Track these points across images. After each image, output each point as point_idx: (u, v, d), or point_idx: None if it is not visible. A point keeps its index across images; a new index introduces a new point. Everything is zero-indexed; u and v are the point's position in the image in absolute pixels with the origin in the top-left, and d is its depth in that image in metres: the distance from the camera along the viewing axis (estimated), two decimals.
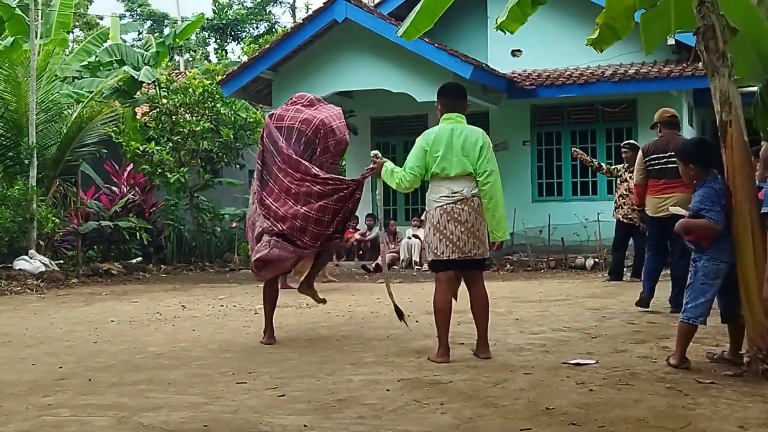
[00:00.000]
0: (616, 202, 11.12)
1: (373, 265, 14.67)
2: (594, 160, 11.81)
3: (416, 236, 15.07)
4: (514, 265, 14.03)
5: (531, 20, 6.82)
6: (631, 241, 11.11)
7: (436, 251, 5.49)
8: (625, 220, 10.95)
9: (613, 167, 11.59)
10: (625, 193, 10.97)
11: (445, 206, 5.46)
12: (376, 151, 6.10)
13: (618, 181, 11.17)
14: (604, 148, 15.72)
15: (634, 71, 14.89)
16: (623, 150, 11.20)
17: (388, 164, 5.84)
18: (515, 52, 16.23)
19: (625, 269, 11.48)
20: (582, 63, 15.47)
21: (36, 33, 15.01)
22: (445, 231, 5.44)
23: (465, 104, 5.72)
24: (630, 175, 10.98)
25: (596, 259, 13.42)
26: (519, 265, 14.00)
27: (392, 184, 5.78)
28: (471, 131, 5.52)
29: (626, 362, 5.17)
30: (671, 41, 13.88)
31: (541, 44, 15.75)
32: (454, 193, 5.45)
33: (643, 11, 6.21)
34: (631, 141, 11.75)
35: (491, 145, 5.60)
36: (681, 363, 4.90)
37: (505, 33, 6.75)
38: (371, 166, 5.99)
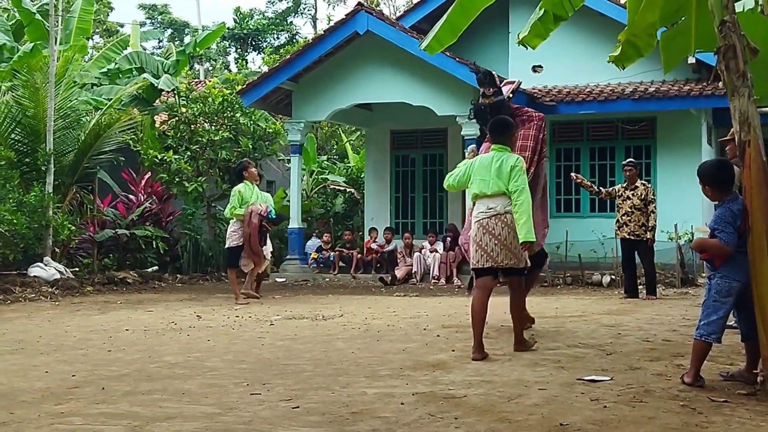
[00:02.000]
0: (618, 221, 11.17)
1: (390, 277, 14.64)
2: (592, 185, 11.83)
3: (435, 250, 15.03)
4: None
5: (552, 36, 6.83)
6: (638, 259, 11.16)
7: (473, 261, 6.32)
8: (631, 237, 11.00)
9: (611, 188, 11.66)
10: (629, 210, 11.04)
11: (481, 221, 6.25)
12: (473, 146, 7.09)
13: (619, 200, 11.21)
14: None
15: (654, 89, 14.84)
16: (628, 168, 11.27)
17: (467, 161, 6.65)
18: (536, 68, 16.21)
19: (640, 286, 11.44)
20: (602, 80, 15.44)
21: (55, 39, 15.13)
22: (481, 243, 6.23)
23: (509, 136, 6.48)
24: (631, 192, 11.05)
25: (613, 276, 13.36)
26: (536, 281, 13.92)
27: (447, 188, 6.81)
28: (508, 157, 6.30)
29: (641, 379, 5.14)
30: (692, 60, 13.81)
31: (562, 60, 15.73)
32: (490, 209, 6.24)
33: (664, 29, 6.20)
34: (633, 159, 11.80)
35: (524, 169, 6.31)
36: (695, 381, 4.88)
37: (527, 48, 6.75)
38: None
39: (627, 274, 11.34)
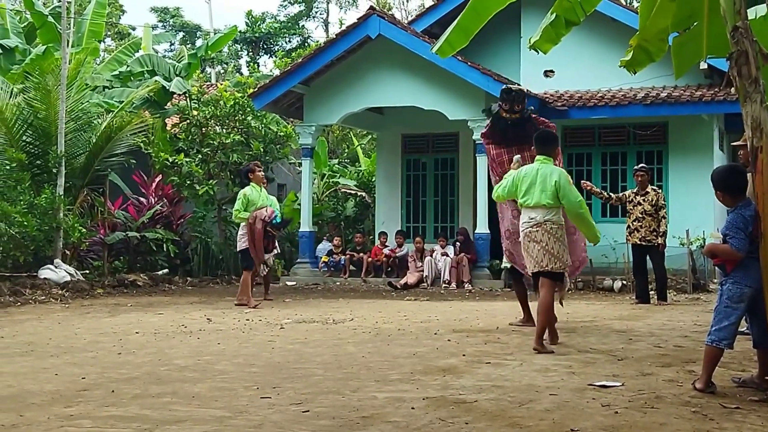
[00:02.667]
0: (629, 227, 11.15)
1: (401, 282, 14.59)
2: (602, 192, 11.84)
3: (445, 254, 15.00)
4: None
5: (564, 41, 6.82)
6: (650, 265, 11.12)
7: (515, 262, 7.27)
8: (643, 243, 10.99)
9: (621, 194, 11.65)
10: (640, 216, 11.04)
11: (526, 231, 6.88)
12: (518, 157, 7.55)
13: (630, 206, 11.18)
14: None
15: (666, 94, 14.79)
16: (640, 173, 11.23)
17: (513, 172, 7.18)
18: (548, 73, 16.19)
19: (651, 291, 11.39)
20: (614, 85, 15.40)
21: (67, 41, 15.19)
22: (528, 250, 6.88)
23: (552, 148, 7.15)
24: (642, 198, 11.01)
25: (624, 281, 13.31)
26: None
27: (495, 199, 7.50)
28: (551, 171, 6.88)
29: (652, 385, 5.12)
30: (704, 65, 13.79)
31: (574, 65, 15.71)
32: (531, 218, 6.85)
33: (676, 35, 6.18)
34: (645, 165, 11.77)
35: (569, 180, 6.92)
36: (707, 387, 4.86)
37: (539, 53, 6.74)
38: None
39: (638, 280, 11.32)
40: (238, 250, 11.16)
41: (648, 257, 11.15)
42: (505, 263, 8.43)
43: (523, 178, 6.91)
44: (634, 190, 11.26)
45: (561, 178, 6.83)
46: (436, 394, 4.87)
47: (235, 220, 11.07)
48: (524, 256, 7.01)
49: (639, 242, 11.06)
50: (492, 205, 14.67)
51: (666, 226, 11.02)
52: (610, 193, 11.98)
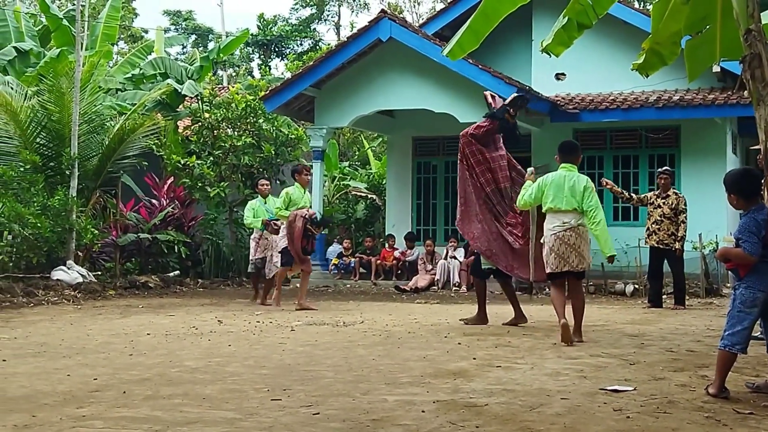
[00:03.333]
0: (648, 228, 11.06)
1: (410, 286, 14.57)
2: (624, 191, 11.74)
3: (454, 257, 14.99)
4: None
5: (575, 44, 6.80)
6: (667, 268, 11.02)
7: (552, 266, 7.39)
8: (660, 246, 10.89)
9: (642, 195, 11.55)
10: (659, 218, 10.93)
11: (558, 233, 7.32)
12: (532, 168, 8.09)
13: (650, 208, 11.09)
14: (646, 174, 15.56)
15: (678, 98, 14.73)
16: (663, 176, 11.13)
17: (529, 182, 7.73)
18: (559, 76, 16.16)
19: (665, 296, 11.33)
20: (626, 88, 15.37)
21: (81, 44, 15.28)
22: (558, 251, 7.33)
23: (577, 156, 7.65)
24: (663, 201, 10.93)
25: (636, 285, 13.25)
26: None
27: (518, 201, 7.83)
28: (579, 178, 7.42)
29: (664, 390, 5.08)
30: (717, 68, 13.73)
31: (585, 68, 15.68)
32: (564, 222, 7.32)
33: (688, 38, 6.15)
34: (669, 168, 11.68)
35: (593, 188, 7.39)
36: (720, 392, 4.82)
37: (550, 56, 6.72)
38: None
39: (652, 284, 11.20)
40: (279, 249, 11.09)
41: (666, 261, 11.04)
42: (486, 264, 8.66)
43: (550, 184, 7.38)
44: (656, 192, 11.15)
45: (589, 185, 7.39)
46: (447, 398, 4.86)
47: (277, 217, 11.12)
48: (550, 256, 7.36)
49: (656, 245, 10.96)
50: None
51: (685, 231, 10.87)
52: (631, 194, 11.86)
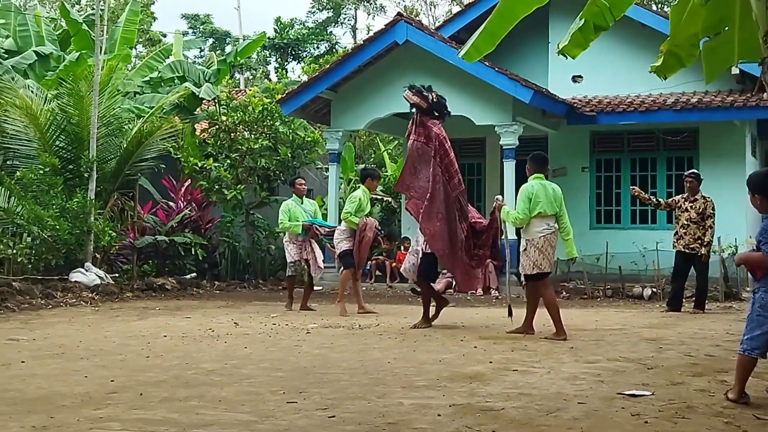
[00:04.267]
0: (677, 232, 10.91)
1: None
2: (652, 197, 11.62)
3: None
4: (570, 293, 13.82)
5: (592, 46, 6.75)
6: (692, 272, 10.91)
7: (540, 266, 7.91)
8: (686, 250, 10.75)
9: (670, 200, 11.42)
10: (686, 222, 10.77)
11: (546, 235, 7.92)
12: (500, 196, 8.66)
13: (678, 212, 10.95)
14: (664, 176, 15.47)
15: (696, 100, 14.63)
16: (689, 179, 11.01)
17: (506, 207, 8.29)
18: (576, 78, 16.10)
19: (684, 300, 11.23)
20: (643, 90, 15.28)
21: (100, 48, 15.37)
22: (545, 252, 7.90)
23: (547, 168, 8.34)
24: (690, 204, 10.79)
25: (654, 289, 13.15)
26: (575, 293, 13.79)
27: (509, 220, 8.22)
28: (554, 186, 8.08)
29: (683, 395, 5.04)
30: (735, 70, 13.61)
31: (603, 70, 15.61)
32: (550, 226, 7.96)
33: (706, 39, 6.10)
34: (695, 171, 11.54)
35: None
36: (740, 398, 4.77)
37: (567, 58, 6.68)
38: (494, 205, 8.40)
39: (673, 286, 11.06)
40: (338, 252, 10.75)
41: (693, 266, 10.88)
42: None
43: (537, 193, 7.90)
44: (684, 196, 11.01)
45: (560, 193, 8.08)
46: (463, 402, 4.85)
47: (345, 222, 10.76)
48: (537, 256, 7.87)
49: (683, 249, 10.83)
50: None
51: (711, 236, 10.67)
52: (659, 199, 11.72)
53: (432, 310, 9.10)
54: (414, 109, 9.22)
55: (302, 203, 11.34)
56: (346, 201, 10.80)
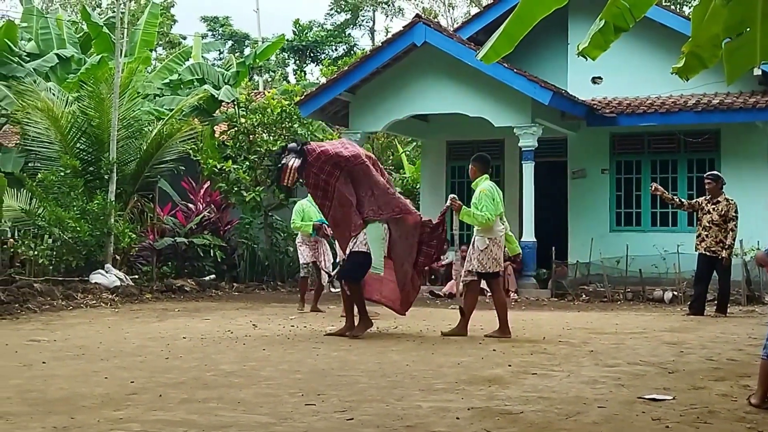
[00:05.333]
0: (699, 235, 10.80)
1: (444, 291, 14.49)
2: (675, 197, 11.50)
3: None
4: (589, 296, 13.74)
5: (612, 47, 6.69)
6: (714, 275, 10.79)
7: (500, 264, 8.21)
8: (708, 253, 10.64)
9: (693, 201, 11.30)
10: (707, 225, 10.65)
11: (502, 235, 8.21)
12: (454, 195, 8.34)
13: (700, 214, 10.84)
14: (685, 178, 15.34)
15: (718, 101, 14.50)
16: (707, 181, 10.90)
17: (465, 207, 8.18)
18: (596, 80, 16.00)
19: (706, 303, 11.12)
20: (664, 92, 15.15)
21: (121, 51, 15.48)
22: (498, 253, 8.14)
23: (489, 168, 8.47)
24: (713, 207, 10.68)
25: (675, 292, 13.05)
26: (595, 296, 13.71)
27: (473, 221, 8.18)
28: (497, 186, 8.26)
29: (704, 399, 4.99)
30: (758, 71, 13.49)
31: (623, 71, 15.50)
32: (502, 227, 8.22)
33: (728, 40, 6.04)
34: (715, 172, 11.42)
35: None
36: (763, 403, 4.73)
37: (587, 59, 6.64)
38: (447, 204, 8.32)
39: (696, 290, 10.95)
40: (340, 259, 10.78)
41: (715, 269, 10.76)
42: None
43: (496, 193, 8.13)
44: (707, 198, 10.91)
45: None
46: (482, 405, 4.82)
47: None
48: (489, 259, 8.09)
49: (704, 252, 10.72)
50: (538, 212, 14.66)
51: (733, 240, 10.55)
52: (682, 199, 11.60)
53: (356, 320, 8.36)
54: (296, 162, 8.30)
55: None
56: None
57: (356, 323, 8.29)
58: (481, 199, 8.05)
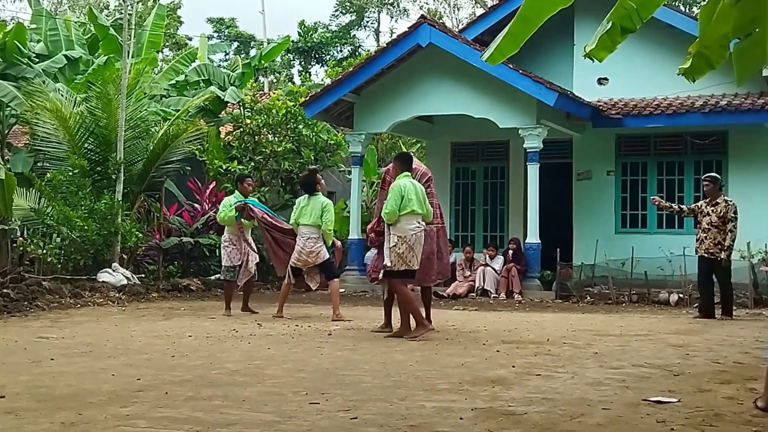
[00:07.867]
0: (698, 237, 10.80)
1: (448, 292, 14.48)
2: (674, 205, 11.55)
3: (487, 265, 14.88)
4: (594, 298, 13.71)
5: (618, 48, 6.70)
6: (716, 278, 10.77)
7: (410, 263, 8.07)
8: (707, 255, 10.62)
9: (693, 205, 11.31)
10: (706, 227, 10.65)
11: (417, 233, 8.09)
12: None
13: (700, 216, 10.84)
14: (692, 180, 15.28)
15: (725, 102, 14.46)
16: (704, 183, 10.92)
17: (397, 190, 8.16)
18: (602, 81, 15.98)
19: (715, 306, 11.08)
20: (670, 93, 15.12)
21: (128, 52, 15.55)
22: (415, 250, 8.09)
23: (412, 167, 8.49)
24: (712, 208, 10.67)
25: (681, 295, 13.01)
26: (600, 298, 13.68)
27: (381, 214, 8.25)
28: (421, 186, 8.27)
29: (710, 402, 4.97)
30: (766, 72, 13.45)
31: (629, 72, 15.48)
32: (419, 224, 8.13)
33: (737, 41, 6.03)
34: (713, 174, 11.42)
35: None
36: None
37: (593, 61, 6.64)
38: None
39: (702, 294, 10.93)
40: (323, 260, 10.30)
41: (714, 272, 10.75)
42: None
43: (408, 191, 8.04)
44: (707, 200, 10.89)
45: (422, 190, 8.24)
46: (485, 405, 4.83)
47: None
48: (408, 254, 8.01)
49: (704, 254, 10.71)
50: (543, 214, 14.65)
51: (731, 241, 10.51)
52: (681, 206, 11.59)
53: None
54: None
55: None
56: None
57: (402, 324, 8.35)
58: (389, 193, 8.15)
